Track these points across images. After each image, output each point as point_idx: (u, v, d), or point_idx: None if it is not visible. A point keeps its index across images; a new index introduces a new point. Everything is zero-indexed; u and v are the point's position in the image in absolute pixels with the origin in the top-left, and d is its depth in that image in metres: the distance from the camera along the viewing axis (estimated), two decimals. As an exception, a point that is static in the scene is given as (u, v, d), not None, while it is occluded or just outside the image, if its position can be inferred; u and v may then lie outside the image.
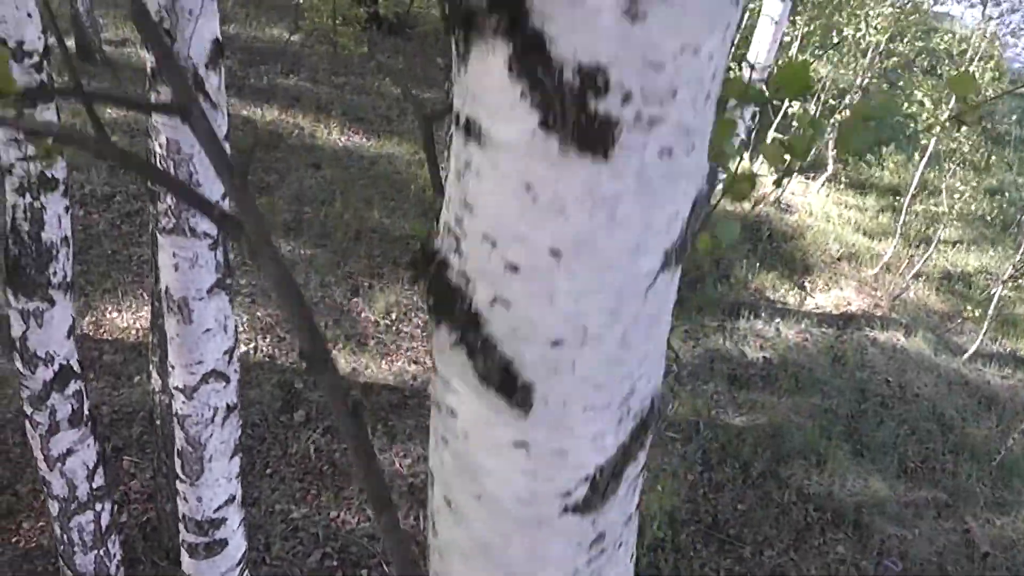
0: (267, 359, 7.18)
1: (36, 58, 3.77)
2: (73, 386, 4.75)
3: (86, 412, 4.73)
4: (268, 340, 7.35)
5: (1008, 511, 7.53)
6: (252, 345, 7.26)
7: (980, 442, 8.20)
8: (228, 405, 4.35)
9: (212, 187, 4.14)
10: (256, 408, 6.82)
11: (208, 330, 4.22)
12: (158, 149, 4.02)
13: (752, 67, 8.32)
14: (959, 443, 8.13)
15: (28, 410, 4.51)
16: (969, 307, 9.55)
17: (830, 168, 11.39)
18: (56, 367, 4.45)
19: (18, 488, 5.78)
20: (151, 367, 5.50)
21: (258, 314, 7.52)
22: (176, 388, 4.16)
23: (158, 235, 4.24)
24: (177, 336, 4.23)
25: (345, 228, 8.51)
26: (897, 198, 11.92)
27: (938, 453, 8.01)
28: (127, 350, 6.95)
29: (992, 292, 9.65)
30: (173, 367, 4.29)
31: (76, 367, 4.60)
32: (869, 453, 7.81)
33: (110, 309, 7.22)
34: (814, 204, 11.75)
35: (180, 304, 4.15)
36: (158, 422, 5.47)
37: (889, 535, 6.99)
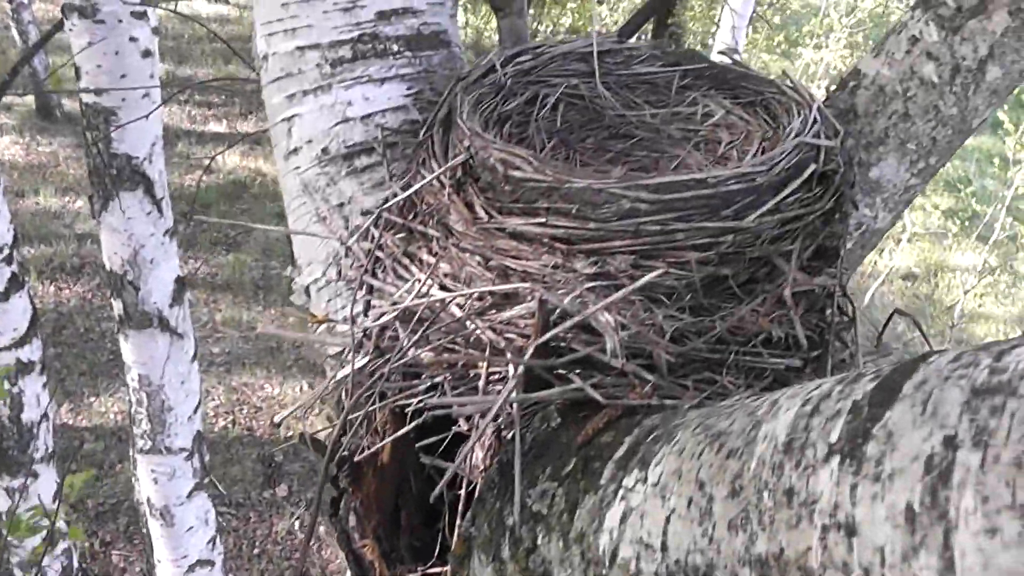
0: (246, 432, 7.25)
1: (6, 251, 3.75)
2: (62, 545, 4.85)
3: (75, 565, 4.86)
4: (245, 412, 7.40)
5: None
6: (230, 419, 7.32)
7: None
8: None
9: (182, 409, 4.25)
10: (239, 486, 6.91)
11: (190, 528, 4.38)
12: (131, 382, 4.12)
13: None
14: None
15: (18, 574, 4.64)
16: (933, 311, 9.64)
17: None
18: (44, 533, 4.58)
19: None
20: (132, 452, 5.59)
21: (233, 383, 7.56)
22: (163, 577, 4.36)
23: (137, 457, 4.34)
24: (162, 537, 4.39)
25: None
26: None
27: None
28: (107, 436, 6.99)
29: (955, 299, 9.73)
30: (159, 561, 4.46)
31: (63, 527, 4.70)
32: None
33: (87, 393, 7.21)
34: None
35: (162, 511, 4.29)
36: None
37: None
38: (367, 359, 1.28)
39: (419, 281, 1.26)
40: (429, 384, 1.28)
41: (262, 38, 1.58)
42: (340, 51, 1.53)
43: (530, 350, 1.12)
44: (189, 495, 4.23)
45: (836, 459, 0.73)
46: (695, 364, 1.22)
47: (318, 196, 1.53)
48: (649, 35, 12.94)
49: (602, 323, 1.14)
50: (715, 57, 1.66)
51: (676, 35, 12.05)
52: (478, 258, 1.25)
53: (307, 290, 1.58)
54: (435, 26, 1.61)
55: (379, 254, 1.36)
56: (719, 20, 8.86)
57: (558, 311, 1.15)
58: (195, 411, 4.22)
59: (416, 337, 1.20)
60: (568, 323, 1.13)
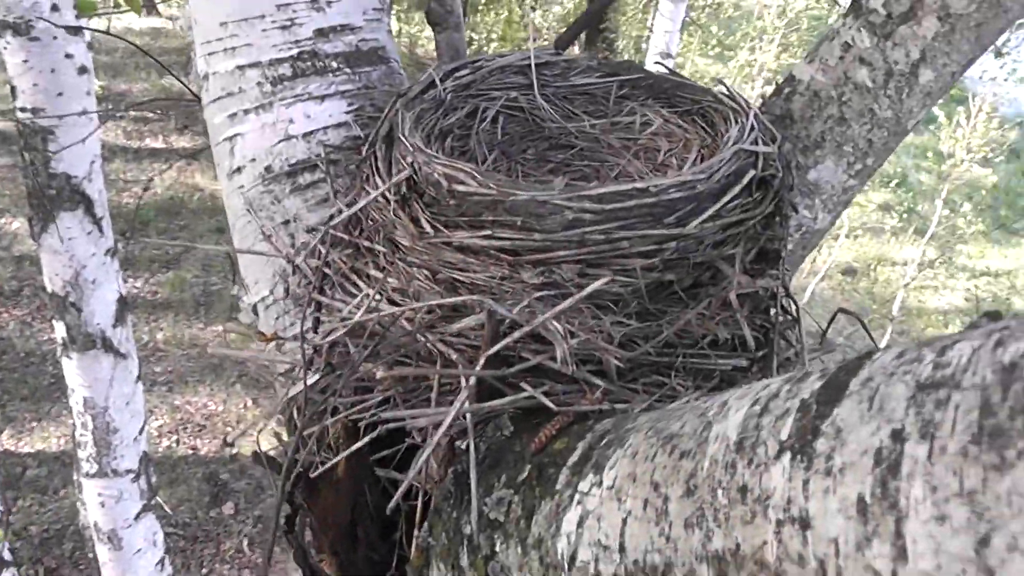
0: (190, 451, 7.16)
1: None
2: (6, 573, 4.78)
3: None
4: (189, 431, 7.31)
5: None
6: (174, 438, 7.22)
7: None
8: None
9: (128, 430, 4.20)
10: (185, 506, 6.82)
11: (139, 551, 4.33)
12: (75, 405, 4.07)
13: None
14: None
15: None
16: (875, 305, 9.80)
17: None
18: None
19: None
20: (77, 476, 5.50)
21: (176, 402, 7.46)
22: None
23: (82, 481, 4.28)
24: (110, 560, 4.34)
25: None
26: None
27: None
28: (51, 461, 6.85)
29: (894, 293, 9.88)
30: None
31: (7, 555, 4.62)
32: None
33: (29, 418, 7.07)
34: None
35: (110, 535, 4.24)
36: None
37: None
38: (319, 375, 1.28)
39: (368, 296, 1.26)
40: (381, 398, 1.28)
41: (202, 58, 1.57)
42: (280, 69, 1.53)
43: (481, 360, 1.12)
44: (136, 517, 4.18)
45: (787, 456, 0.74)
46: (644, 368, 1.23)
47: (263, 214, 1.52)
48: (583, 40, 13.05)
49: (551, 331, 1.15)
50: (650, 66, 1.67)
51: (609, 40, 12.15)
52: (426, 272, 1.25)
53: (255, 308, 1.57)
54: (373, 42, 1.61)
55: (327, 271, 1.36)
56: (652, 25, 8.95)
57: (507, 321, 1.16)
58: (140, 432, 4.17)
59: (367, 352, 1.20)
60: (518, 333, 1.14)
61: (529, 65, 1.61)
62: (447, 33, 1.63)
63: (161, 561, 4.44)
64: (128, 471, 4.12)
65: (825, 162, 1.55)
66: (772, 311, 1.36)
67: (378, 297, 1.26)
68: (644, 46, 10.83)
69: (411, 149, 1.29)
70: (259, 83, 1.52)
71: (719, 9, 11.12)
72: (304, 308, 1.33)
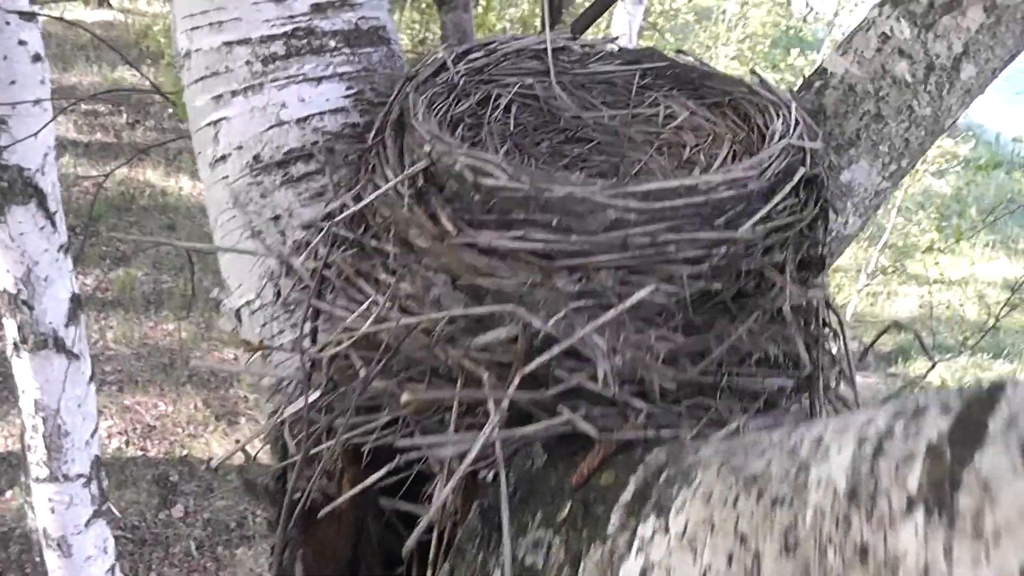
0: (140, 452, 6.91)
1: None
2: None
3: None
4: (139, 431, 7.06)
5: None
6: (124, 439, 6.97)
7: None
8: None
9: (79, 434, 4.06)
10: (134, 508, 6.58)
11: (89, 557, 4.17)
12: (25, 408, 3.93)
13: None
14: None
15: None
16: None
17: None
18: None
19: None
20: (25, 479, 5.28)
21: (126, 402, 7.20)
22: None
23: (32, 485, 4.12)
24: (59, 568, 4.18)
25: (205, 296, 8.18)
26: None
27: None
28: (-9, 465, 6.59)
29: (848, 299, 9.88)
30: None
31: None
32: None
33: (-30, 418, 6.80)
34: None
35: (59, 541, 4.07)
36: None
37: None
38: (319, 392, 1.12)
39: (376, 304, 1.10)
40: (388, 418, 1.12)
41: (183, 33, 1.39)
42: (272, 47, 1.35)
43: (515, 381, 0.97)
44: (87, 523, 3.99)
45: (920, 511, 0.61)
46: (687, 388, 1.09)
47: (250, 208, 1.35)
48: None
49: (593, 348, 1.00)
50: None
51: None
52: (444, 276, 1.10)
53: (238, 313, 1.40)
54: (374, 20, 1.44)
55: (326, 273, 1.19)
56: (608, 26, 8.83)
57: (541, 335, 1.02)
58: (92, 435, 3.97)
59: (379, 368, 1.04)
60: (556, 349, 0.99)
61: (545, 49, 1.46)
62: (455, 13, 1.47)
63: (112, 568, 4.25)
64: (79, 476, 3.93)
65: (859, 162, 1.42)
66: (814, 325, 1.23)
67: (389, 304, 1.10)
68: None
69: (428, 137, 1.13)
70: (248, 62, 1.35)
71: (676, 15, 11.05)
72: (302, 315, 1.17)
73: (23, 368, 3.66)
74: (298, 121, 1.36)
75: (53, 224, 3.61)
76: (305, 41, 1.36)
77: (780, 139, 1.18)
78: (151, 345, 7.69)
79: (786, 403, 1.15)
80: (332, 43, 1.38)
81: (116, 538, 5.90)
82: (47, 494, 3.90)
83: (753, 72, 1.43)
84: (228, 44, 1.35)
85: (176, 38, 1.41)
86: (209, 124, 1.39)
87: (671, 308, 1.07)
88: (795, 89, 1.51)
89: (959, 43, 1.37)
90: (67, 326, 3.70)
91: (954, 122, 1.44)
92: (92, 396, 3.97)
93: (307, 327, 1.18)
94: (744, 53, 10.38)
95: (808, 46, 10.94)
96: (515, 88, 1.44)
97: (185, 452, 6.99)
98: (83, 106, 9.69)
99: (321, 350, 1.13)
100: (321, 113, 1.37)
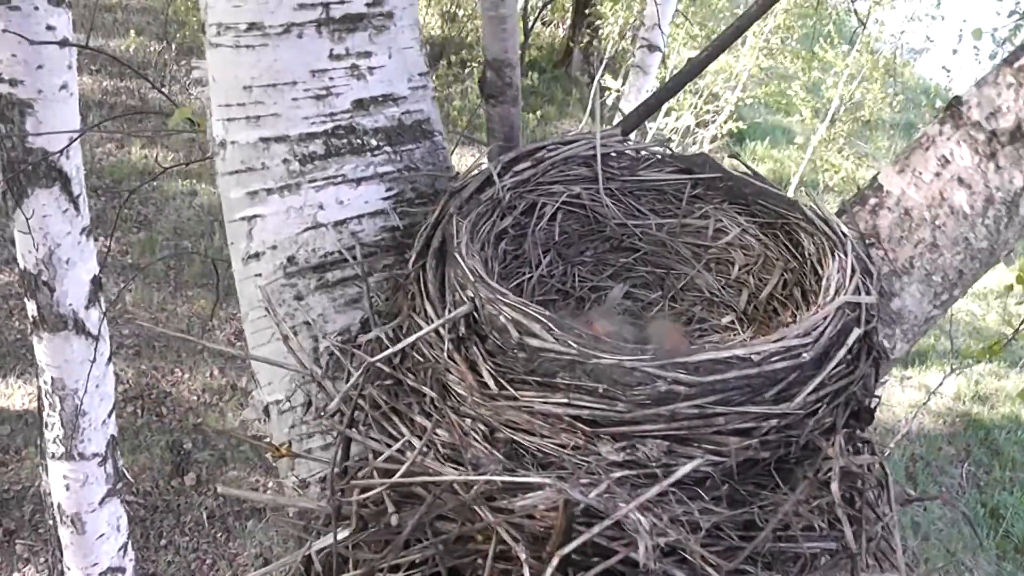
0: (155, 418, 6.90)
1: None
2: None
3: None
4: (154, 396, 7.05)
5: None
6: (139, 403, 6.96)
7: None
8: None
9: (96, 413, 4.06)
10: (147, 475, 6.58)
11: (102, 535, 4.20)
12: (43, 385, 3.93)
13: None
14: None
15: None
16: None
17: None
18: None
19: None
20: (40, 442, 5.28)
21: (143, 367, 7.19)
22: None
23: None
24: (72, 544, 4.20)
25: (226, 264, 8.10)
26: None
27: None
28: (13, 420, 6.57)
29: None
30: (69, 568, 4.26)
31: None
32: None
33: (-7, 376, 6.79)
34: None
35: (73, 518, 4.10)
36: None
37: None
38: (348, 531, 1.07)
39: (410, 446, 1.05)
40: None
41: (219, 122, 1.32)
42: (311, 145, 1.29)
43: (554, 562, 0.93)
44: (101, 502, 4.00)
45: None
46: (729, 557, 1.04)
47: (282, 310, 1.29)
48: (568, 25, 12.63)
49: (635, 525, 0.95)
50: (727, 164, 1.44)
51: (595, 27, 11.79)
52: (482, 427, 1.04)
53: (266, 409, 1.35)
54: (418, 114, 1.38)
55: (361, 402, 1.14)
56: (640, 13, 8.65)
57: (582, 506, 0.97)
58: (109, 415, 3.96)
59: (413, 523, 0.99)
60: (597, 528, 0.94)
61: (595, 156, 1.39)
62: (503, 107, 1.40)
63: (124, 546, 4.25)
64: (95, 455, 3.94)
65: (911, 290, 1.36)
66: (860, 481, 1.17)
67: (425, 450, 1.05)
68: (628, 33, 10.52)
69: (472, 277, 1.07)
70: (286, 160, 1.29)
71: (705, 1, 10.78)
72: (335, 448, 1.11)
73: (41, 348, 3.64)
74: (335, 224, 1.29)
75: (76, 207, 3.57)
76: (346, 140, 1.29)
77: (835, 293, 1.12)
78: (170, 311, 7.66)
79: (825, 565, 1.10)
80: (373, 141, 1.31)
81: (128, 503, 5.92)
82: (62, 471, 3.90)
83: (807, 194, 1.35)
84: (265, 140, 1.28)
85: (211, 123, 1.35)
86: (243, 219, 1.32)
87: (716, 478, 1.02)
88: (848, 201, 1.44)
89: (1020, 178, 1.30)
90: (87, 308, 3.68)
91: (1009, 253, 1.37)
92: (110, 377, 3.95)
93: (339, 456, 1.13)
94: (772, 48, 10.13)
95: (843, 37, 10.65)
96: (562, 196, 1.38)
97: (200, 420, 6.98)
98: (108, 67, 9.60)
99: (353, 488, 1.08)
100: (360, 216, 1.30)
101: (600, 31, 11.17)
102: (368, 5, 1.29)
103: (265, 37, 1.27)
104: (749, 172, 1.41)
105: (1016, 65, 1.34)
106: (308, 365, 1.21)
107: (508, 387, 1.01)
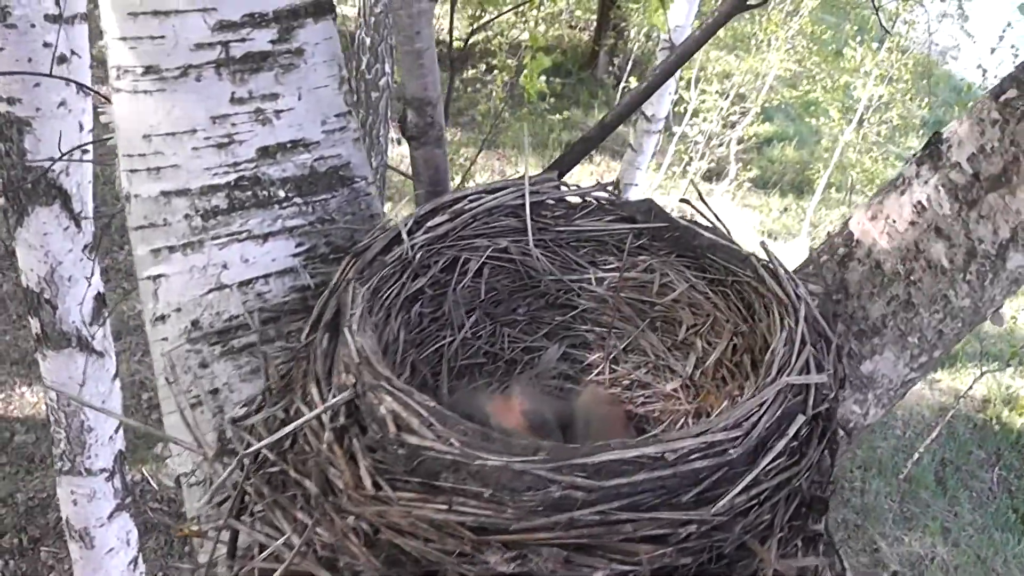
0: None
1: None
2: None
3: None
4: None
5: (915, 527, 7.54)
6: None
7: (887, 456, 8.10)
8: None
9: (103, 429, 4.04)
10: (171, 480, 6.55)
11: (111, 550, 4.17)
12: (49, 403, 3.93)
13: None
14: (866, 458, 8.03)
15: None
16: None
17: (732, 171, 10.82)
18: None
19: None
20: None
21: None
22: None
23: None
24: (81, 559, 4.19)
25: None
26: (800, 198, 11.41)
27: (845, 470, 7.92)
28: (38, 428, 6.55)
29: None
30: None
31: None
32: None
33: (19, 383, 6.77)
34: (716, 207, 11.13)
35: (81, 533, 4.07)
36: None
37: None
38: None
39: (290, 547, 0.93)
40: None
41: (124, 172, 1.20)
42: (213, 199, 1.17)
43: None
44: (110, 517, 3.96)
45: None
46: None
47: (187, 378, 1.18)
48: (593, 29, 12.38)
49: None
50: (674, 212, 1.28)
51: (620, 28, 11.54)
52: (365, 527, 0.91)
53: (178, 480, 1.24)
54: (334, 160, 1.25)
55: (248, 490, 1.02)
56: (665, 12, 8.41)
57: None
58: (116, 431, 3.91)
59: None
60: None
61: (523, 205, 1.25)
62: (426, 149, 1.26)
63: (134, 560, 4.21)
64: (102, 470, 3.91)
65: (884, 353, 1.20)
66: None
67: (303, 549, 0.93)
68: (655, 34, 10.26)
69: (356, 359, 0.94)
70: (187, 215, 1.17)
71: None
72: (216, 534, 1.00)
73: (46, 365, 3.60)
74: (240, 284, 1.17)
75: (78, 224, 3.52)
76: (250, 192, 1.17)
77: (777, 373, 0.97)
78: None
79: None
80: (281, 192, 1.19)
81: (153, 510, 5.89)
82: (70, 487, 3.88)
83: (763, 245, 1.19)
84: (166, 194, 1.16)
85: (118, 174, 1.23)
86: (149, 278, 1.21)
87: (625, 591, 0.88)
88: (816, 249, 1.28)
89: (1006, 228, 1.13)
90: (91, 324, 3.63)
91: (996, 310, 1.20)
92: (117, 393, 3.91)
93: (228, 548, 1.02)
94: (797, 49, 9.82)
95: (869, 34, 10.32)
96: (487, 251, 1.24)
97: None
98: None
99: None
100: (266, 276, 1.18)
101: (625, 33, 10.95)
102: (273, 42, 1.16)
103: (162, 81, 1.15)
104: (700, 222, 1.26)
105: (1002, 99, 1.17)
106: (203, 443, 1.09)
107: (386, 487, 0.88)
